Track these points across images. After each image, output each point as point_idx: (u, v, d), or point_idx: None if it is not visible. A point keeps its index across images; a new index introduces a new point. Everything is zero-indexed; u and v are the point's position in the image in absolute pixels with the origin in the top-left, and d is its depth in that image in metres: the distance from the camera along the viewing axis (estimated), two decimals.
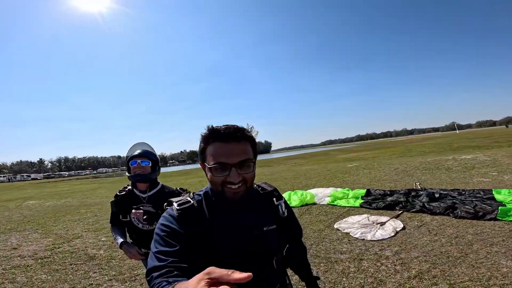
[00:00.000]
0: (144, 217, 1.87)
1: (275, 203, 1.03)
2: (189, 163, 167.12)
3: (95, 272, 3.62)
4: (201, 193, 0.98)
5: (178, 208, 0.92)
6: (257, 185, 1.09)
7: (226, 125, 0.88)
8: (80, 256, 4.30)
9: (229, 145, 0.85)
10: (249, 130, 0.92)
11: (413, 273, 2.73)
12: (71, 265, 3.95)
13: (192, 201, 0.95)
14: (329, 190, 7.19)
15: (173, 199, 0.99)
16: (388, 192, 6.43)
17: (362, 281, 2.67)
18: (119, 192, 1.98)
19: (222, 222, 0.93)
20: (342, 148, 49.10)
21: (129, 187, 1.99)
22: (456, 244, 3.34)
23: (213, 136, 0.87)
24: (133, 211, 1.90)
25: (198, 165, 1.05)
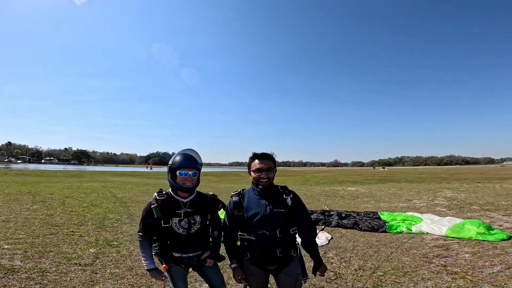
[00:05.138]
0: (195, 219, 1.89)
1: (284, 196, 1.90)
2: (74, 164, 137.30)
3: None
4: (239, 190, 1.98)
5: (233, 196, 1.95)
6: (279, 186, 1.99)
7: (262, 152, 1.94)
8: None
9: (262, 160, 1.90)
10: (272, 154, 1.94)
11: (356, 266, 3.64)
12: None
13: (240, 192, 1.97)
14: None
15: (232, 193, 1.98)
16: (310, 212, 7.70)
17: (327, 275, 3.32)
18: (158, 196, 1.83)
19: (251, 203, 1.89)
20: None
21: (167, 191, 1.91)
22: (370, 248, 4.55)
23: (255, 156, 1.92)
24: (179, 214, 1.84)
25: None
